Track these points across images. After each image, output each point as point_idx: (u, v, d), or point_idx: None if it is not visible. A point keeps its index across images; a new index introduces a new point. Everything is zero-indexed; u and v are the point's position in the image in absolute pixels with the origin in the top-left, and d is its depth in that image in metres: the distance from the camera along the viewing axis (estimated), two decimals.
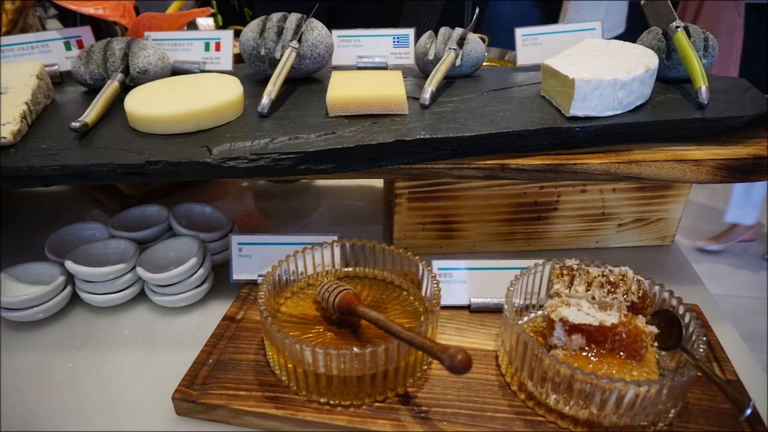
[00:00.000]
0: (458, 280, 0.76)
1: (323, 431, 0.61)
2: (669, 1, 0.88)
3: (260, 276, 0.80)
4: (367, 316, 0.64)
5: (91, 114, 0.77)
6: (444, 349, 0.54)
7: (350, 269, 0.79)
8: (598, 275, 0.69)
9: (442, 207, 0.87)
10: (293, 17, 0.89)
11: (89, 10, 0.99)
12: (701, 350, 0.59)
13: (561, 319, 0.62)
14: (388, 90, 0.79)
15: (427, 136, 0.72)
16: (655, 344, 0.65)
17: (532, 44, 0.97)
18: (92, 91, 0.89)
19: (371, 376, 0.60)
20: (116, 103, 0.83)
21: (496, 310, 0.76)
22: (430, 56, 0.91)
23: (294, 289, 0.76)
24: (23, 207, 1.08)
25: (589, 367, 0.60)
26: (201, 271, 0.79)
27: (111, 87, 0.84)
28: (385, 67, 0.96)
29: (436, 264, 0.76)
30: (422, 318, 0.71)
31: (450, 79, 0.92)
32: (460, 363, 0.53)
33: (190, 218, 0.91)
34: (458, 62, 0.90)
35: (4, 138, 0.72)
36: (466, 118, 0.77)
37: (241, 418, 0.63)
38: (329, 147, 0.72)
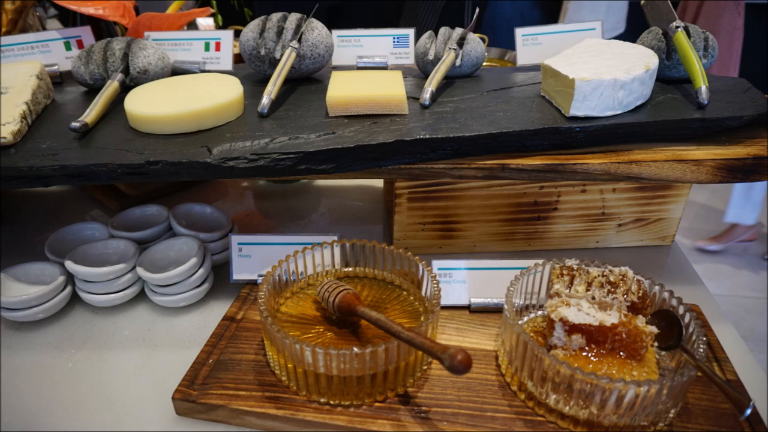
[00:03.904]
0: (458, 280, 0.76)
1: (323, 431, 0.61)
2: (669, 1, 0.88)
3: (260, 276, 0.80)
4: (367, 316, 0.64)
5: (91, 114, 0.78)
6: (444, 349, 0.54)
7: (350, 269, 0.79)
8: (598, 275, 0.69)
9: (442, 207, 0.87)
10: (293, 17, 0.89)
11: (89, 10, 1.00)
12: (701, 350, 0.59)
13: (561, 319, 0.62)
14: (388, 90, 0.79)
15: (427, 136, 0.72)
16: (655, 344, 0.65)
17: (532, 44, 0.97)
18: (92, 91, 0.89)
19: (371, 376, 0.60)
20: (116, 103, 0.84)
21: (496, 310, 0.76)
22: (430, 56, 0.91)
23: (294, 289, 0.76)
24: (23, 207, 1.08)
25: (589, 367, 0.60)
26: (201, 271, 0.79)
27: (111, 87, 0.84)
28: (385, 67, 0.96)
29: (436, 264, 0.76)
30: (422, 318, 0.71)
31: (450, 79, 0.92)
32: (460, 363, 0.53)
33: (190, 218, 0.91)
34: (458, 62, 0.90)
35: (4, 138, 0.72)
36: (466, 118, 0.77)
37: (241, 418, 0.63)
38: (329, 147, 0.72)
